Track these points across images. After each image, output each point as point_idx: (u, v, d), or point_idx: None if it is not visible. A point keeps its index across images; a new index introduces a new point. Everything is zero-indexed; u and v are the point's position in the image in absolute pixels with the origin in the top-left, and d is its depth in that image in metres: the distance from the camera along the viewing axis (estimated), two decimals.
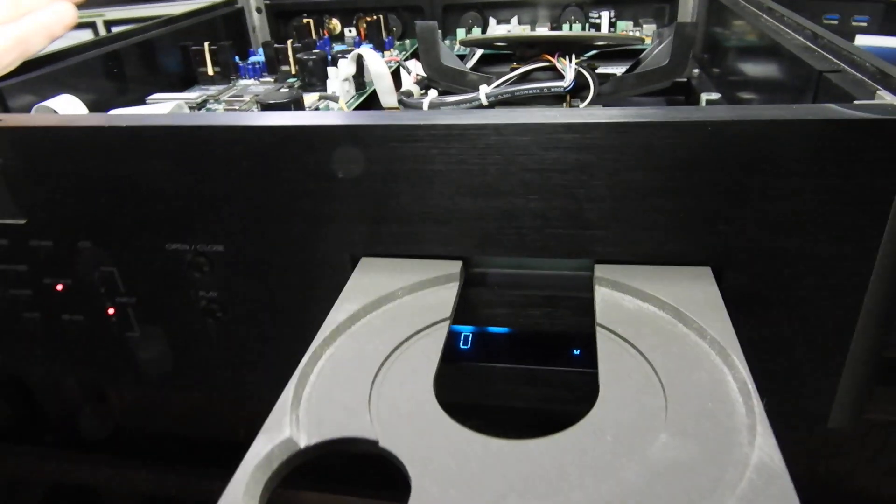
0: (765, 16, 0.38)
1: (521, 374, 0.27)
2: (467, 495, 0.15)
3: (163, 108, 0.32)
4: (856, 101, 0.22)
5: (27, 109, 0.36)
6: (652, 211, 0.22)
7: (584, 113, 0.22)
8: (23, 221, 0.27)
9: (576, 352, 0.26)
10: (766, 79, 0.36)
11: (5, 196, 0.27)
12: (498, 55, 0.52)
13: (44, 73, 0.38)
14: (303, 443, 0.16)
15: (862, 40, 0.58)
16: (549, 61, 0.40)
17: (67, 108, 0.37)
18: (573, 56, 0.39)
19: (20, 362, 0.32)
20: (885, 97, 0.22)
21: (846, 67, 0.27)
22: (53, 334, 0.30)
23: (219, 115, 0.24)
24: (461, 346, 0.27)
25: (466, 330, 0.27)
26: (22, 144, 0.25)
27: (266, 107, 0.35)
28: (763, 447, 0.16)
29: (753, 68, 0.39)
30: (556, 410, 0.27)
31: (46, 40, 0.36)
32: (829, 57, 0.29)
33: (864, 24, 0.57)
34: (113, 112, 0.35)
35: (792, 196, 0.21)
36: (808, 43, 0.31)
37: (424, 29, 0.40)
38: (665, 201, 0.22)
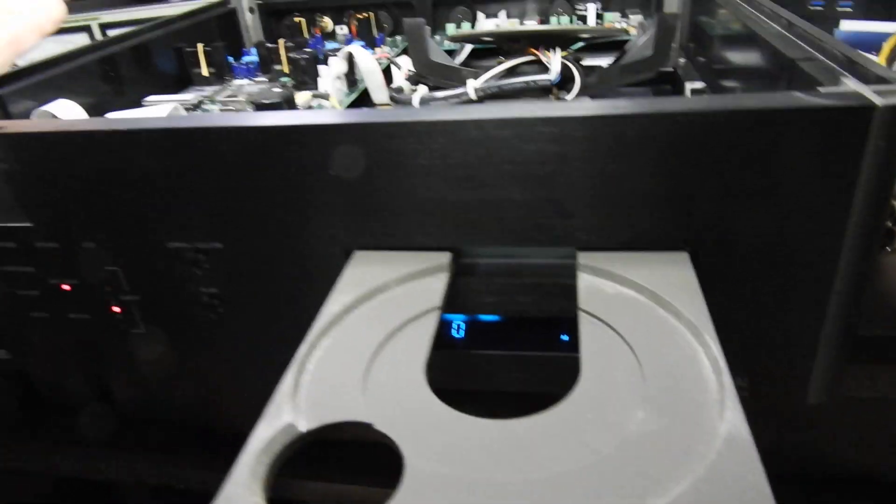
0: (745, 5, 0.39)
1: (510, 360, 0.28)
2: (457, 471, 0.16)
3: (160, 110, 0.33)
4: (820, 89, 0.23)
5: (27, 114, 0.38)
6: (629, 199, 0.23)
7: (561, 106, 0.23)
8: (29, 224, 0.28)
9: (564, 337, 0.27)
10: (745, 67, 0.37)
11: (11, 200, 0.28)
12: (487, 49, 0.53)
13: (42, 78, 0.39)
14: (303, 427, 0.17)
15: (846, 25, 0.58)
16: (534, 55, 0.41)
17: (66, 112, 0.38)
18: (558, 49, 0.40)
19: (28, 360, 0.33)
20: (848, 84, 0.23)
21: (817, 55, 0.28)
22: (61, 332, 0.31)
23: (213, 117, 0.25)
24: (452, 334, 0.28)
25: (457, 319, 0.28)
26: (25, 150, 0.26)
27: (259, 106, 0.36)
28: (732, 420, 0.17)
29: (734, 57, 0.39)
30: (544, 393, 0.28)
31: (38, 37, 0.37)
32: (802, 45, 0.30)
33: (849, 10, 0.58)
34: (111, 115, 0.36)
35: (761, 181, 0.22)
36: (784, 31, 0.32)
37: (412, 26, 0.41)
38: (640, 190, 0.23)
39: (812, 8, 0.60)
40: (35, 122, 0.27)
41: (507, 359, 0.28)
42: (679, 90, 0.48)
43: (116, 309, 0.30)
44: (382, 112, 0.24)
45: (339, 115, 0.24)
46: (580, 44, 0.50)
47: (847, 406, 0.28)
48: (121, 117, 0.34)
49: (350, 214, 0.25)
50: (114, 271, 0.29)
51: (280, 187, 0.25)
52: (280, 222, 0.26)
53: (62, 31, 0.64)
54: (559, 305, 0.26)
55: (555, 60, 0.39)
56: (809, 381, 0.26)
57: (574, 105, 0.23)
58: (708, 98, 0.22)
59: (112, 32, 0.77)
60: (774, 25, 0.34)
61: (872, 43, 0.58)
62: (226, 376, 0.31)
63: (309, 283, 0.27)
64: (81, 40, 0.77)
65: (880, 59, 0.53)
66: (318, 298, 0.27)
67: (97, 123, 0.26)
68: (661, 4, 0.56)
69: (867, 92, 0.21)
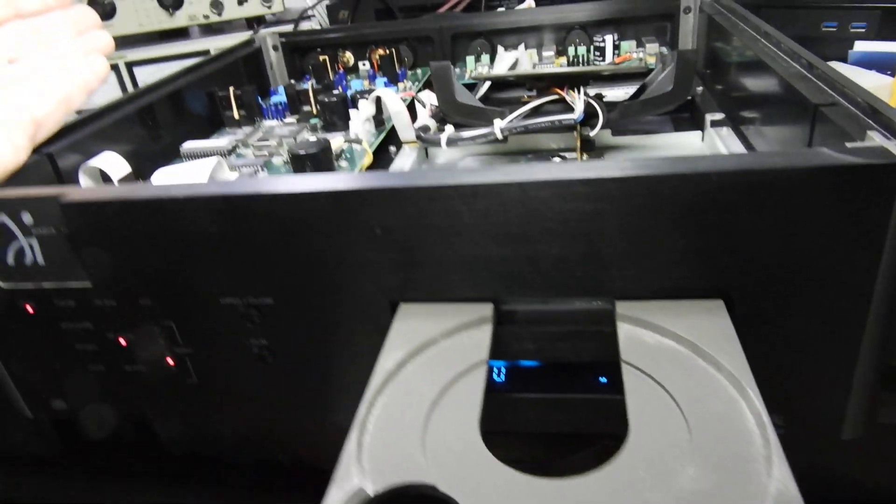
0: (762, 40, 0.40)
1: (550, 403, 0.29)
2: None
3: (203, 166, 0.34)
4: (847, 144, 0.24)
5: (75, 168, 0.39)
6: (664, 252, 0.24)
7: (599, 167, 0.24)
8: (89, 284, 0.30)
9: (602, 379, 0.28)
10: (765, 105, 0.38)
11: (71, 262, 0.29)
12: (507, 83, 0.55)
13: (87, 132, 0.41)
14: (370, 490, 0.18)
15: (860, 46, 0.59)
16: (558, 94, 0.42)
17: (111, 165, 0.40)
18: (582, 89, 0.41)
19: (85, 408, 0.34)
20: (874, 138, 0.24)
21: (840, 100, 0.29)
22: (117, 384, 0.32)
23: (265, 183, 0.26)
24: (495, 378, 0.29)
25: (499, 364, 0.29)
26: (84, 217, 0.28)
27: (296, 158, 0.37)
28: (780, 478, 0.18)
29: (753, 93, 0.40)
30: (585, 433, 0.29)
31: (86, 96, 0.38)
32: (825, 88, 0.30)
33: (862, 31, 0.59)
34: (159, 173, 0.37)
35: (793, 235, 0.23)
36: (804, 71, 0.33)
37: (439, 69, 0.43)
38: (676, 242, 0.24)
39: (826, 29, 0.61)
40: (93, 190, 0.28)
41: (545, 401, 0.29)
42: (697, 118, 0.49)
43: (170, 361, 0.31)
44: (426, 174, 0.25)
45: (386, 178, 0.25)
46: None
47: (880, 434, 0.29)
48: (169, 173, 0.36)
49: (396, 270, 0.26)
50: (169, 325, 0.30)
51: (329, 246, 0.26)
52: (329, 278, 0.27)
53: None
54: (598, 351, 0.27)
55: (579, 101, 0.40)
56: (845, 418, 0.27)
57: (611, 165, 0.24)
58: (739, 157, 0.23)
59: (138, 70, 0.80)
60: (794, 65, 0.35)
61: (886, 63, 0.59)
62: (275, 418, 0.33)
63: (356, 334, 0.28)
64: (110, 79, 0.79)
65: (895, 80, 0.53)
66: (365, 347, 0.29)
67: (152, 191, 0.27)
68: (677, 32, 0.57)
69: (894, 148, 0.22)
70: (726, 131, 0.43)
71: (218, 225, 0.27)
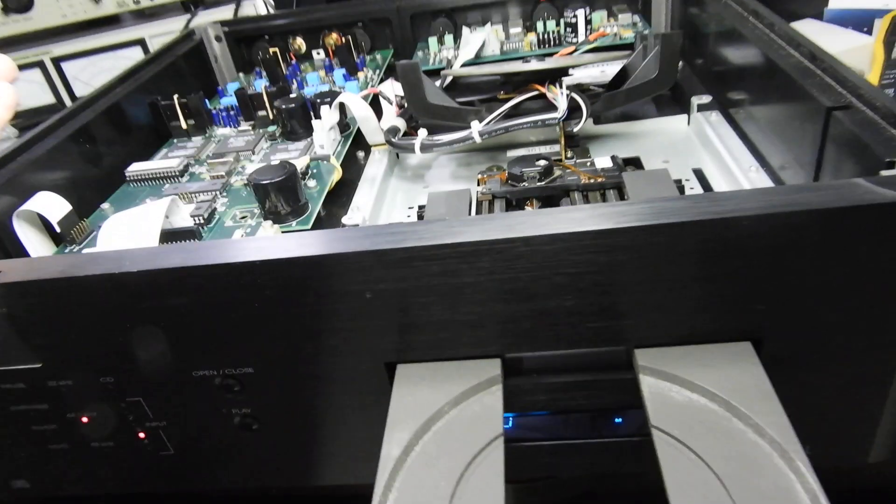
0: (752, 19, 0.38)
1: (563, 449, 0.27)
2: None
3: (156, 210, 0.30)
4: (882, 173, 0.21)
5: (7, 213, 0.35)
6: (685, 298, 0.22)
7: (612, 212, 0.21)
8: (38, 365, 0.26)
9: (617, 420, 0.27)
10: (762, 94, 0.35)
11: (15, 343, 0.26)
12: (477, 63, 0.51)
13: (16, 168, 0.36)
14: None
15: (836, 3, 0.57)
16: (538, 90, 0.39)
17: (47, 206, 0.35)
18: (564, 85, 0.38)
19: (52, 487, 0.31)
20: None
21: (854, 101, 0.27)
22: (84, 460, 0.29)
23: (233, 248, 0.23)
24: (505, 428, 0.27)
25: (508, 415, 0.27)
26: (25, 297, 0.24)
27: (259, 188, 0.34)
28: None
29: (747, 79, 0.38)
30: (601, 476, 0.27)
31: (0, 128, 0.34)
32: (834, 85, 0.28)
33: None
34: (109, 227, 0.33)
35: (829, 272, 0.21)
36: (807, 63, 0.31)
37: (407, 68, 0.39)
38: (700, 288, 0.22)
39: None
40: (32, 265, 0.24)
41: (560, 448, 0.27)
42: (679, 98, 0.46)
43: (142, 435, 0.28)
44: (420, 231, 0.22)
45: (374, 237, 0.22)
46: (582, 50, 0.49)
47: None
48: (117, 225, 0.32)
49: (391, 333, 0.24)
50: (136, 401, 0.27)
51: (314, 313, 0.23)
52: (316, 344, 0.24)
53: None
54: (613, 399, 0.25)
55: (561, 98, 0.37)
56: (872, 443, 0.26)
57: (623, 210, 0.21)
58: (767, 195, 0.21)
59: (66, 65, 0.73)
60: (795, 53, 0.32)
61: (863, 20, 0.57)
62: (260, 480, 0.30)
63: (349, 396, 0.26)
64: (36, 77, 0.72)
65: (877, 40, 0.51)
66: (361, 410, 0.26)
67: (103, 263, 0.24)
68: (650, 0, 0.54)
69: None
70: (716, 116, 0.41)
71: (183, 297, 0.24)
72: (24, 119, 0.69)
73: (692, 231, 0.20)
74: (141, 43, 0.73)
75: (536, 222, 0.21)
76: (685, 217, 0.20)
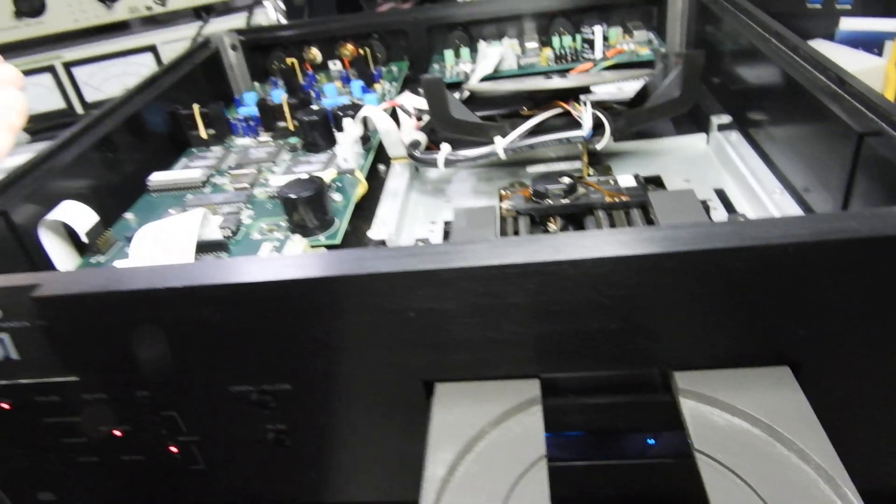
0: (775, 41, 0.38)
1: (596, 469, 0.27)
2: None
3: (189, 222, 0.30)
4: None
5: (33, 223, 0.35)
6: (726, 322, 0.22)
7: (659, 236, 0.22)
8: (75, 379, 0.26)
9: (650, 441, 0.27)
10: (785, 116, 0.36)
11: (51, 356, 0.25)
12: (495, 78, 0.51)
13: (39, 177, 0.36)
14: None
15: (847, 24, 0.58)
16: (562, 107, 0.39)
17: (74, 216, 0.35)
18: (588, 103, 0.38)
19: (78, 500, 0.31)
20: None
21: (886, 128, 0.27)
22: (112, 474, 0.29)
23: (269, 266, 0.23)
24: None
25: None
26: (62, 310, 0.24)
27: (288, 202, 0.34)
28: None
29: (768, 100, 0.38)
30: (633, 499, 0.28)
31: (13, 136, 0.33)
32: (864, 111, 0.29)
33: (848, 7, 0.57)
34: (144, 236, 0.33)
35: (868, 300, 0.21)
36: (835, 87, 0.31)
37: (431, 83, 0.39)
38: (741, 312, 0.22)
39: (811, 6, 0.59)
40: (74, 281, 0.24)
41: (598, 469, 0.27)
42: (698, 118, 0.47)
43: (174, 449, 0.28)
44: (468, 252, 0.22)
45: (421, 256, 0.22)
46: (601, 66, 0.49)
47: None
48: (151, 234, 0.31)
49: (431, 350, 0.24)
50: (170, 416, 0.27)
51: (355, 331, 0.23)
52: (355, 361, 0.24)
53: (26, 73, 0.60)
54: (650, 419, 0.25)
55: (586, 115, 0.37)
56: None
57: (670, 235, 0.21)
58: (811, 222, 0.21)
59: (77, 70, 0.73)
60: (821, 77, 0.32)
61: (873, 41, 0.58)
62: (293, 497, 0.30)
63: (386, 415, 0.26)
64: (46, 82, 0.72)
65: (889, 62, 0.52)
66: (398, 430, 0.26)
67: (142, 278, 0.24)
68: (665, 17, 0.55)
69: None
70: (736, 136, 0.41)
71: (219, 313, 0.24)
72: (34, 124, 0.69)
73: (740, 257, 0.21)
74: (152, 49, 0.73)
75: (583, 245, 0.22)
76: (734, 243, 0.21)
